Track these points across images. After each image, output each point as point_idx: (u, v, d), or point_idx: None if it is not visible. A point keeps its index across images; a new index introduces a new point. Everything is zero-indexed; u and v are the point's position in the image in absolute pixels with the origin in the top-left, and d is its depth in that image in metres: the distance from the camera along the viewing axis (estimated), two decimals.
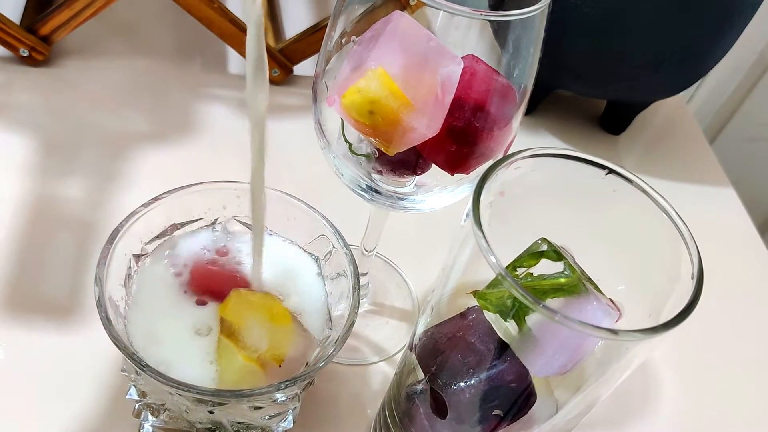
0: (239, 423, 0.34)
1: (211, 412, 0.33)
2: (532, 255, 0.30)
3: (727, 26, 0.55)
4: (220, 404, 0.32)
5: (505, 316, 0.27)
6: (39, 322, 0.42)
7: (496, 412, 0.30)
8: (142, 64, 0.62)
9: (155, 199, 0.36)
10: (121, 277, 0.35)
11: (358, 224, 0.43)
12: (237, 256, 0.37)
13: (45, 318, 0.42)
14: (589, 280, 0.30)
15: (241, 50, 0.59)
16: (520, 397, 0.29)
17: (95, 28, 0.62)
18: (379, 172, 0.35)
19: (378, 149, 0.33)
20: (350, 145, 0.35)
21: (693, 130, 0.72)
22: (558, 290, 0.28)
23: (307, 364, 0.34)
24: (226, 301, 0.34)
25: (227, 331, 0.32)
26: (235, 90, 0.61)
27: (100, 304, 0.32)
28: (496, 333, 0.28)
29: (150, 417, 0.36)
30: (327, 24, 0.35)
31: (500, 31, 0.32)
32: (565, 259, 0.29)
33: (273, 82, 0.62)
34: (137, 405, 0.37)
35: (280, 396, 0.33)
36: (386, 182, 0.36)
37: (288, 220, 0.38)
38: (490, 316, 0.29)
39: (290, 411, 0.36)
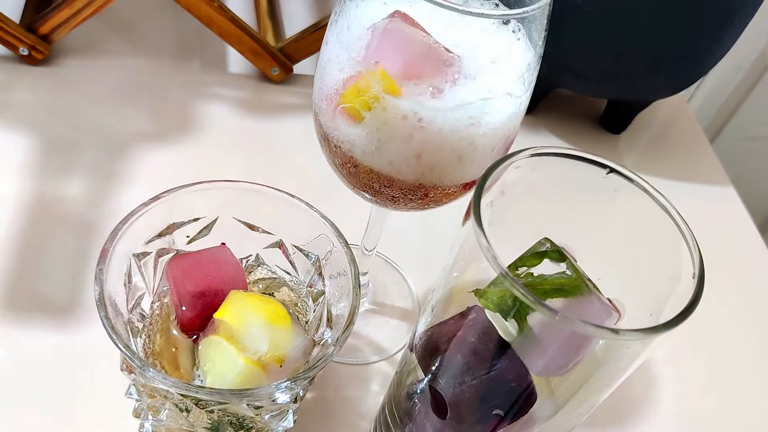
0: (239, 423, 0.34)
1: (211, 412, 0.33)
2: (535, 255, 0.30)
3: (727, 25, 0.55)
4: (220, 404, 0.32)
5: (505, 315, 0.27)
6: (39, 322, 0.42)
7: (497, 411, 0.30)
8: (142, 63, 0.62)
9: (155, 198, 0.36)
10: (121, 277, 0.35)
11: (358, 224, 0.43)
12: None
13: (45, 317, 0.42)
14: (589, 280, 0.30)
15: (241, 48, 0.59)
16: (520, 396, 0.29)
17: (95, 27, 0.62)
18: None
19: None
20: None
21: (693, 129, 0.72)
22: (559, 290, 0.28)
23: (306, 363, 0.34)
24: (225, 303, 0.34)
25: (227, 333, 0.32)
26: (234, 89, 0.61)
27: (100, 304, 0.32)
28: (497, 332, 0.28)
29: (150, 417, 0.36)
30: (327, 23, 0.35)
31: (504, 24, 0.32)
32: (568, 259, 0.29)
33: (273, 81, 0.62)
34: (137, 405, 0.37)
35: (280, 396, 0.33)
36: None
37: (288, 220, 0.38)
38: (491, 316, 0.28)
39: (290, 410, 0.36)
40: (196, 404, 0.32)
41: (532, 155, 0.29)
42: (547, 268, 0.30)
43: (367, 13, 0.33)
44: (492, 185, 0.28)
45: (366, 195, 0.37)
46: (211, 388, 0.32)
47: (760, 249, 0.60)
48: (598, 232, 0.31)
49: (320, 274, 0.39)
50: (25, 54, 0.56)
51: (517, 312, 0.26)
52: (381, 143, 0.32)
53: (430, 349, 0.32)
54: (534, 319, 0.26)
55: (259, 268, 0.41)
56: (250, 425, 0.35)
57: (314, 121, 0.36)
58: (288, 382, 0.31)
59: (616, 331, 0.24)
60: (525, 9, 0.30)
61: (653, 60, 0.56)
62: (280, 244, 0.40)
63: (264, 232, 0.39)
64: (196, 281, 0.35)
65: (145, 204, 0.35)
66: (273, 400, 0.33)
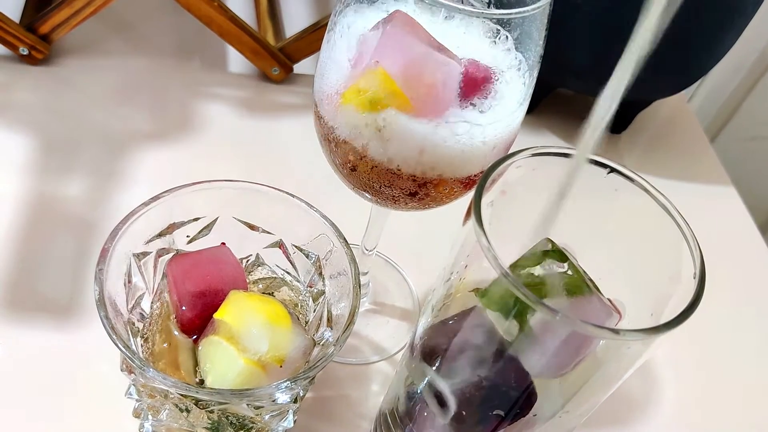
0: (239, 423, 0.34)
1: (211, 412, 0.33)
2: (536, 255, 0.30)
3: (728, 25, 0.55)
4: (220, 404, 0.32)
5: (506, 315, 0.27)
6: (39, 322, 0.42)
7: (497, 412, 0.30)
8: (141, 63, 0.62)
9: (155, 198, 0.36)
10: (121, 276, 0.35)
11: (358, 224, 0.43)
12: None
13: (45, 317, 0.42)
14: (590, 280, 0.30)
15: (241, 48, 0.59)
16: (521, 397, 0.29)
17: (95, 26, 0.62)
18: None
19: None
20: None
21: (694, 128, 0.71)
22: (560, 290, 0.28)
23: (307, 363, 0.34)
24: (225, 303, 0.34)
25: (227, 333, 0.32)
26: (234, 89, 0.61)
27: (100, 304, 0.32)
28: (498, 332, 0.28)
29: (150, 417, 0.36)
30: (327, 22, 0.34)
31: (501, 29, 0.32)
32: (569, 259, 0.29)
33: (273, 80, 0.62)
34: (137, 405, 0.37)
35: (280, 396, 0.33)
36: None
37: (288, 220, 0.38)
38: (492, 315, 0.28)
39: (290, 410, 0.36)
40: (196, 404, 0.32)
41: (533, 155, 0.29)
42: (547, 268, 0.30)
43: (368, 13, 0.33)
44: (492, 185, 0.28)
45: (366, 195, 0.37)
46: (211, 389, 0.32)
47: (761, 249, 0.60)
48: (599, 232, 0.31)
49: (320, 274, 0.39)
50: (25, 54, 0.56)
51: (518, 312, 0.26)
52: (382, 142, 0.32)
53: (430, 349, 0.32)
54: (535, 319, 0.26)
55: (259, 268, 0.41)
56: (250, 425, 0.35)
57: (314, 120, 0.36)
58: (288, 382, 0.31)
59: (616, 332, 0.24)
60: (525, 9, 0.30)
61: (654, 59, 0.56)
62: (280, 244, 0.40)
63: (264, 232, 0.39)
64: (196, 281, 0.35)
65: (145, 204, 0.35)
66: (273, 400, 0.33)
